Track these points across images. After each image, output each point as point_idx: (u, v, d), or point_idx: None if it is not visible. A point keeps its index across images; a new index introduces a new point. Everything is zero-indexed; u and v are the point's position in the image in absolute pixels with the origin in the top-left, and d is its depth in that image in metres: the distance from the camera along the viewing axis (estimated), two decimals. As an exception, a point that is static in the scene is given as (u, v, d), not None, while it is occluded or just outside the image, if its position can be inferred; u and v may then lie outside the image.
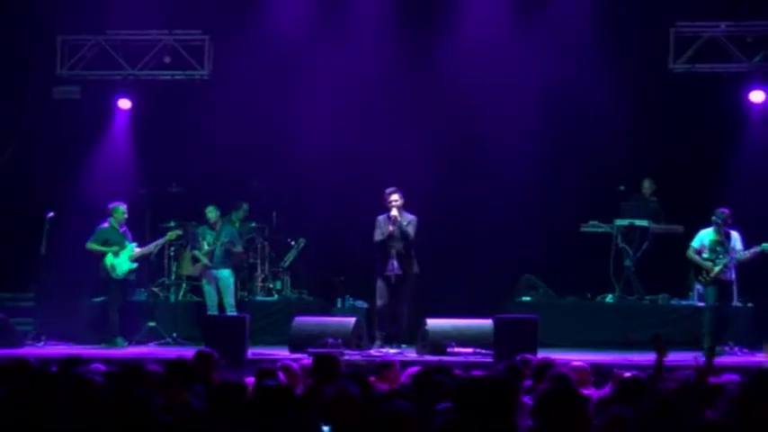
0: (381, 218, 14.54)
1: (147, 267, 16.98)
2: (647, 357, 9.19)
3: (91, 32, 17.32)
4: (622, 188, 16.60)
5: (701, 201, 15.38)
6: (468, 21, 16.82)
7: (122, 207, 15.81)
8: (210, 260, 16.01)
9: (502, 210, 16.73)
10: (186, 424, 5.57)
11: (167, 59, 17.44)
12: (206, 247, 16.08)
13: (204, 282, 16.14)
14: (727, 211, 14.40)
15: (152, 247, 16.03)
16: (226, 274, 16.01)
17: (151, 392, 6.05)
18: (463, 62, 16.83)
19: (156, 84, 17.56)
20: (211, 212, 16.16)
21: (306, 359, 10.80)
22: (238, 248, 16.28)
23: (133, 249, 15.76)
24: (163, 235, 16.14)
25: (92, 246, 15.68)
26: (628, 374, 7.84)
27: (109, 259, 15.61)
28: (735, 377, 8.04)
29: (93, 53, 17.40)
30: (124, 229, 15.86)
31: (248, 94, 17.20)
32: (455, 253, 16.88)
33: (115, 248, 15.66)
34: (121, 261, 15.67)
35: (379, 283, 14.65)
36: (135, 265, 15.82)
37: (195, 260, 16.32)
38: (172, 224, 16.84)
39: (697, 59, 16.59)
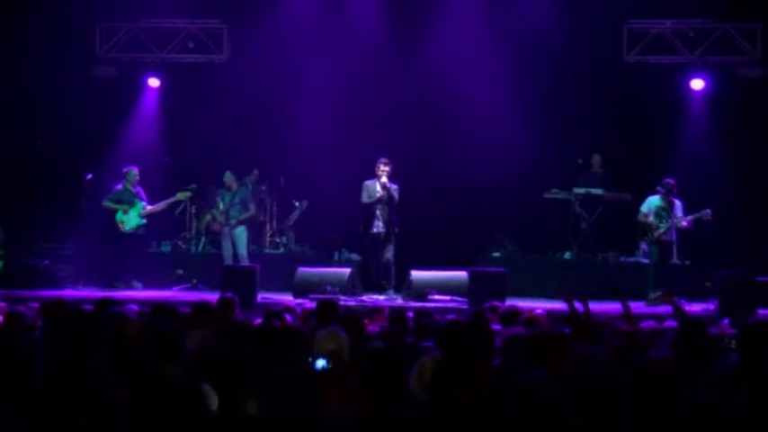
0: (369, 182, 14.63)
1: (173, 223, 17.15)
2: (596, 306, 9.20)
3: (125, 20, 17.23)
4: (580, 161, 16.67)
5: (647, 173, 15.38)
6: (446, 18, 16.80)
7: (134, 170, 15.82)
8: (226, 218, 15.93)
9: (477, 179, 16.66)
10: (206, 355, 5.54)
11: (191, 45, 17.40)
12: (222, 207, 16.02)
13: (221, 236, 16.07)
14: (672, 181, 14.47)
15: (162, 205, 15.95)
16: (239, 230, 15.93)
17: (179, 328, 5.98)
18: (443, 48, 16.76)
19: (181, 66, 17.48)
20: (228, 177, 16.10)
21: (307, 303, 10.75)
22: (251, 209, 16.19)
23: (143, 207, 15.72)
24: (175, 195, 16.09)
25: (107, 204, 15.71)
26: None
27: (119, 216, 15.65)
28: (673, 323, 8.05)
29: (127, 38, 17.31)
30: (137, 189, 15.82)
31: (260, 75, 17.15)
32: (437, 215, 16.88)
33: (125, 207, 15.62)
34: (130, 218, 15.67)
35: (368, 241, 14.71)
36: (143, 222, 15.79)
37: (214, 218, 16.28)
38: (193, 186, 16.88)
39: (647, 52, 16.64)
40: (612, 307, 10.07)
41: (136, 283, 15.55)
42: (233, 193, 16.04)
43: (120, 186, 15.79)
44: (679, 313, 8.26)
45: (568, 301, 7.87)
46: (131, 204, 15.70)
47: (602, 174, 16.74)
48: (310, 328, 7.46)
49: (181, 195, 16.12)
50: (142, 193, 15.84)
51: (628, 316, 8.16)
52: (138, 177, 15.83)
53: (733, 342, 6.52)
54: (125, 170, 15.81)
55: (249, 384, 4.87)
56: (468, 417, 4.01)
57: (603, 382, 4.68)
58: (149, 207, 15.79)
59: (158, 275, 16.01)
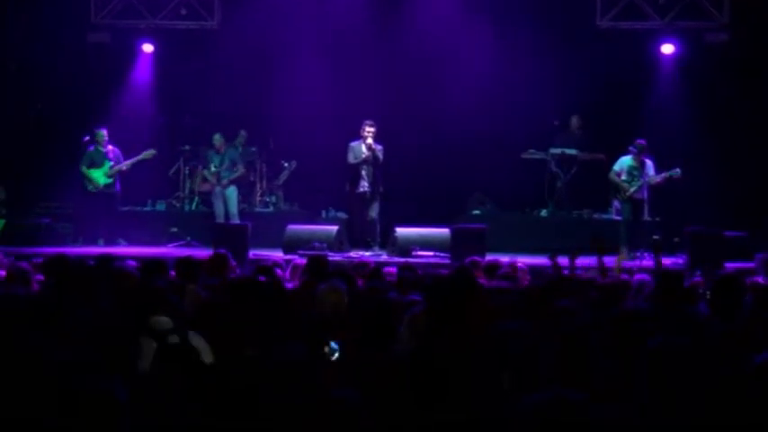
0: (355, 144, 14.61)
1: (167, 183, 17.20)
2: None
3: (119, -13, 17.12)
4: (556, 123, 16.64)
5: (620, 134, 15.36)
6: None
7: (102, 132, 15.72)
8: (217, 179, 15.88)
9: (459, 140, 16.66)
10: (202, 308, 5.54)
11: (183, 11, 17.23)
12: (213, 168, 15.96)
13: (213, 196, 16.01)
14: (643, 142, 14.50)
15: (127, 164, 15.79)
16: (231, 190, 15.90)
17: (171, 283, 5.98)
18: (425, 14, 16.66)
19: (174, 32, 17.32)
20: (218, 139, 16.06)
21: (297, 259, 10.73)
22: (240, 169, 16.14)
23: (109, 167, 15.59)
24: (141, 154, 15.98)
25: (81, 167, 15.62)
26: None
27: (85, 174, 15.55)
28: (645, 276, 8.08)
29: (122, 5, 17.13)
30: (109, 149, 15.69)
31: (250, 41, 16.99)
32: (420, 174, 16.79)
33: (92, 169, 15.54)
34: (97, 177, 15.55)
35: (355, 200, 14.70)
36: (110, 180, 15.66)
37: (205, 179, 16.21)
38: (186, 148, 16.90)
39: (619, 18, 16.57)
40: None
41: (121, 240, 15.51)
42: (222, 155, 16.00)
43: (92, 148, 15.72)
44: (658, 265, 8.27)
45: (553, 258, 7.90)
46: (100, 165, 15.61)
47: (579, 135, 16.72)
48: (302, 282, 7.47)
49: (146, 154, 15.95)
50: (114, 152, 15.74)
51: (602, 269, 8.21)
52: (106, 138, 15.71)
53: (708, 292, 6.53)
54: (94, 131, 15.73)
55: (246, 335, 4.87)
56: (457, 362, 4.02)
57: (578, 332, 4.70)
58: (116, 166, 15.69)
59: (154, 233, 16.02)
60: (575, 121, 16.75)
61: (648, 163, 14.59)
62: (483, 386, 3.96)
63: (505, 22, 16.53)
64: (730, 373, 3.64)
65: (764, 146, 16.09)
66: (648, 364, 3.89)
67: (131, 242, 15.50)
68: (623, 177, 14.61)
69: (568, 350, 4.51)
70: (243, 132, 16.84)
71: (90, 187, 15.60)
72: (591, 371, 4.48)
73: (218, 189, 15.89)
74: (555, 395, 3.12)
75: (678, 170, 14.44)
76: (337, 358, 5.08)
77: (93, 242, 15.32)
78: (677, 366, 3.71)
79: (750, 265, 11.59)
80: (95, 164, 15.63)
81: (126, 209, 16.53)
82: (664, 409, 3.61)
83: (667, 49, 16.69)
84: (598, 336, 4.76)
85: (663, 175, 14.50)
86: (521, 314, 5.24)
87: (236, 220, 15.46)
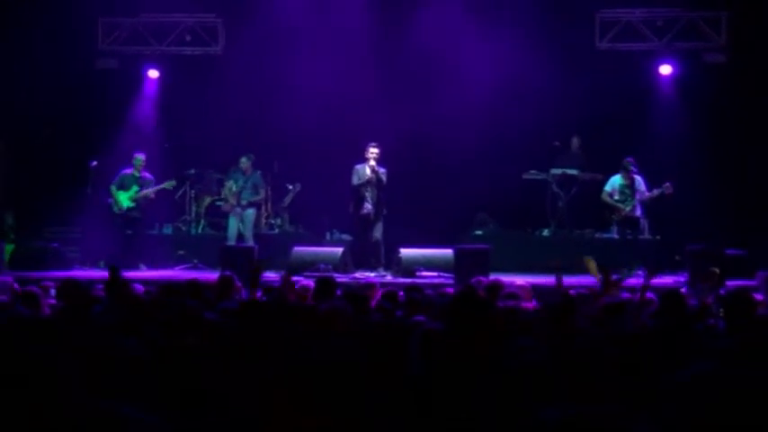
0: (359, 166, 14.57)
1: (173, 207, 17.16)
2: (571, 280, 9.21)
3: (126, 15, 17.17)
4: (557, 143, 16.61)
5: (619, 154, 15.30)
6: (429, 9, 16.69)
7: (141, 157, 15.65)
8: (238, 199, 15.77)
9: (461, 161, 16.64)
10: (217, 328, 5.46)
11: (188, 38, 17.35)
12: (235, 189, 15.86)
13: (231, 216, 15.87)
14: (631, 159, 14.54)
15: (151, 191, 15.69)
16: (249, 212, 15.82)
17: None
18: (429, 39, 16.62)
19: (179, 57, 17.40)
20: (244, 162, 15.95)
21: (303, 281, 10.65)
22: (262, 193, 16.14)
23: (135, 191, 15.52)
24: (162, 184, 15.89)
25: (111, 187, 15.54)
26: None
27: (112, 194, 15.49)
28: (649, 295, 7.99)
29: (128, 32, 17.24)
30: (143, 174, 15.64)
31: (253, 66, 17.12)
32: (424, 196, 16.78)
33: (120, 191, 15.48)
34: (122, 200, 15.48)
35: (359, 222, 14.63)
36: (133, 204, 15.54)
37: (226, 199, 16.09)
38: (192, 172, 16.85)
39: (618, 39, 16.64)
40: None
41: (141, 266, 15.38)
42: (246, 177, 15.90)
43: (128, 171, 15.64)
44: (605, 284, 8.13)
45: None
46: (128, 188, 15.57)
47: (580, 155, 16.69)
48: (309, 302, 7.39)
49: (167, 184, 15.91)
50: (147, 179, 15.67)
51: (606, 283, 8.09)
52: (144, 163, 15.66)
53: (721, 310, 6.44)
54: (134, 156, 15.67)
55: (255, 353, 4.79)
56: (474, 381, 3.94)
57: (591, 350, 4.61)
58: (142, 192, 15.63)
59: (161, 256, 15.98)
60: (575, 141, 16.75)
61: (638, 179, 14.62)
62: (498, 404, 3.87)
63: (506, 45, 16.46)
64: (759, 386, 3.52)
65: (763, 165, 16.05)
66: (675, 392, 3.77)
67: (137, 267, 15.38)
68: (615, 197, 14.67)
69: (581, 368, 4.42)
70: (251, 156, 16.80)
71: (115, 209, 15.52)
72: (603, 389, 4.39)
73: (237, 209, 15.78)
74: (576, 410, 3.03)
75: (668, 185, 14.42)
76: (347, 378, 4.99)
77: (96, 264, 15.20)
78: (705, 390, 3.58)
79: (751, 283, 11.51)
80: (124, 186, 15.55)
81: (130, 232, 16.44)
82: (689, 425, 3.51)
83: (665, 69, 16.74)
84: (609, 354, 4.67)
85: (654, 191, 14.52)
86: (534, 333, 5.15)
87: (249, 243, 15.32)
